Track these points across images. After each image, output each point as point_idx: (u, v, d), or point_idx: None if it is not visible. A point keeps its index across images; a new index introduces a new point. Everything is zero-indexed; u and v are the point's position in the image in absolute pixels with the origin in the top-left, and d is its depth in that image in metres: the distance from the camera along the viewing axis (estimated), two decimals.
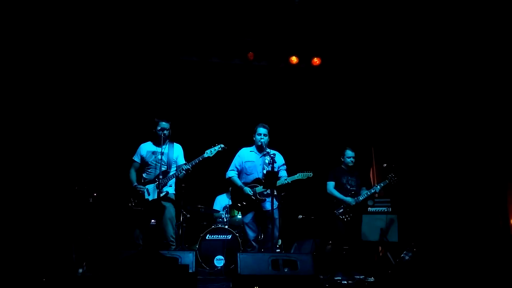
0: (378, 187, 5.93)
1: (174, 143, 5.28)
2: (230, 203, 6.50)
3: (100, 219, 6.04)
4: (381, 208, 6.45)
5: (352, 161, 6.04)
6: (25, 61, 6.18)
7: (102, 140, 6.84)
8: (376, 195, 6.38)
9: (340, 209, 5.85)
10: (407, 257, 5.56)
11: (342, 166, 6.12)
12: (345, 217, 5.83)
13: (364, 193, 5.91)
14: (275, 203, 5.06)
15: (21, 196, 5.91)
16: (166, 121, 5.19)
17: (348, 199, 5.85)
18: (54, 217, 5.90)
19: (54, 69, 6.47)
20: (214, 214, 6.90)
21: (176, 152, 5.27)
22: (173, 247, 5.08)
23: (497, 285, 4.93)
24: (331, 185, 6.02)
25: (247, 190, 5.23)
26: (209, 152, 5.11)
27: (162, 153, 5.02)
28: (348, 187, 5.97)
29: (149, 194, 5.07)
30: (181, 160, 5.26)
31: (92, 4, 6.10)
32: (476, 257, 5.73)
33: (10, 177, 5.93)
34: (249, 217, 5.26)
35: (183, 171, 5.06)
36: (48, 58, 6.37)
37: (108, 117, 6.93)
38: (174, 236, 5.13)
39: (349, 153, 6.05)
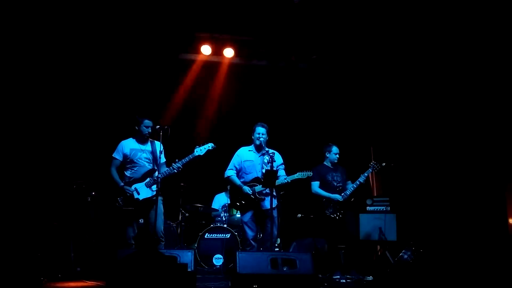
0: (363, 177, 5.78)
1: (155, 141, 5.16)
2: (229, 202, 6.49)
3: (98, 217, 6.02)
4: (380, 207, 6.44)
5: (337, 158, 5.94)
6: (23, 59, 6.17)
7: (100, 139, 6.81)
8: (377, 191, 6.33)
9: (330, 209, 5.74)
10: (405, 256, 5.56)
11: (325, 163, 5.99)
12: (336, 216, 5.72)
13: (351, 187, 5.77)
14: (275, 202, 5.06)
15: (20, 195, 5.90)
16: (149, 119, 5.11)
17: (336, 196, 5.73)
18: (53, 215, 5.88)
19: (52, 67, 6.46)
20: (213, 213, 6.89)
21: (158, 150, 5.14)
22: (163, 243, 5.03)
23: (496, 284, 4.94)
24: (316, 185, 5.86)
25: (246, 189, 5.22)
26: (199, 150, 5.03)
27: (161, 151, 4.98)
28: (335, 183, 5.84)
29: (138, 194, 5.00)
30: (163, 158, 5.16)
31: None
32: (474, 256, 5.74)
33: (8, 176, 5.92)
34: (248, 216, 5.24)
35: (174, 170, 4.98)
36: (47, 57, 6.37)
37: (107, 115, 6.91)
38: (164, 232, 5.07)
39: (336, 149, 5.94)
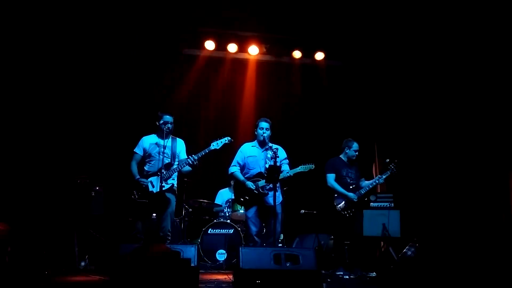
0: (381, 179, 5.76)
1: (177, 138, 5.27)
2: (233, 197, 6.50)
3: (102, 212, 6.04)
4: (383, 204, 6.42)
5: (356, 155, 5.83)
6: (25, 52, 6.17)
7: (105, 134, 6.84)
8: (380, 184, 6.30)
9: (342, 205, 5.67)
10: (409, 252, 5.54)
11: (341, 157, 5.88)
12: (347, 213, 5.66)
13: (366, 186, 5.71)
14: (279, 199, 5.05)
15: (24, 190, 5.92)
16: (170, 115, 5.19)
17: (351, 194, 5.64)
18: (57, 210, 5.90)
19: (56, 60, 6.47)
20: (216, 208, 6.90)
21: (179, 147, 5.25)
22: (168, 240, 5.07)
23: (500, 278, 4.92)
24: (331, 177, 5.76)
25: (249, 184, 5.22)
26: (215, 145, 5.07)
27: (164, 147, 5.01)
28: (349, 180, 5.75)
29: (153, 187, 5.06)
30: (183, 155, 5.23)
31: None
32: (479, 250, 5.72)
33: (13, 171, 5.95)
34: (252, 211, 5.24)
35: (189, 163, 5.03)
36: (50, 49, 6.37)
37: (111, 109, 6.92)
38: (170, 230, 5.11)
39: (356, 146, 5.81)
